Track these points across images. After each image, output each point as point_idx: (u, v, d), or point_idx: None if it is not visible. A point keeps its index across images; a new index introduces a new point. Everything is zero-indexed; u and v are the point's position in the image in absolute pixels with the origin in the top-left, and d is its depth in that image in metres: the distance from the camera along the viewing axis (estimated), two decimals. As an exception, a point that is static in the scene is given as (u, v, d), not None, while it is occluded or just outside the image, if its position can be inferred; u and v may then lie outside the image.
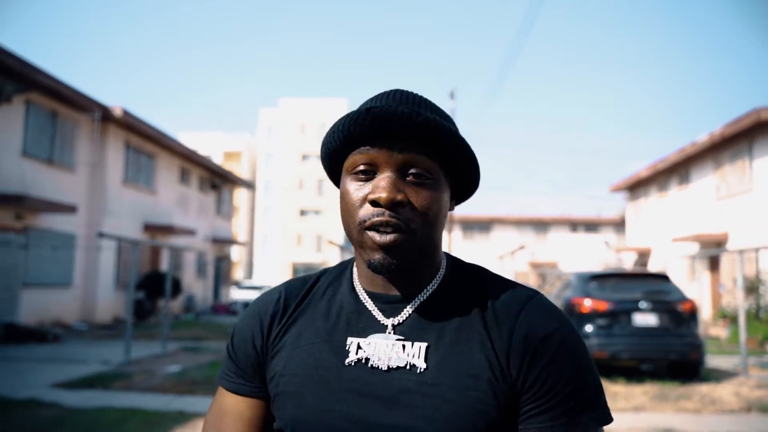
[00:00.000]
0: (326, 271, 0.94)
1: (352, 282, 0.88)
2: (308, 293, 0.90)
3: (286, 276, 50.70)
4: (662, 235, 20.40)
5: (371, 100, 0.85)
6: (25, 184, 12.31)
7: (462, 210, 36.46)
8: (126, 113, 14.56)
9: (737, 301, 14.64)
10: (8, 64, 11.01)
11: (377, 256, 0.78)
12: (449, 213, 0.87)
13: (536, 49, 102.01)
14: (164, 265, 18.07)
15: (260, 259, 53.99)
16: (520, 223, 37.39)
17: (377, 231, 0.77)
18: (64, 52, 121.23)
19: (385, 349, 0.81)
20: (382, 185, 0.78)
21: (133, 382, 7.19)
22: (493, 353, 0.79)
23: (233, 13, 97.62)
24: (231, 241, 24.18)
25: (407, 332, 0.82)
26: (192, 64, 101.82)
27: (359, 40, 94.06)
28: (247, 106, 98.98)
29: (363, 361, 0.81)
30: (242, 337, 0.89)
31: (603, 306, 7.43)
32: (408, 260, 0.79)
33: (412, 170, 0.80)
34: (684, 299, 7.61)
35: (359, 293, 0.86)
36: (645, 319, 7.38)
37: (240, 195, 51.69)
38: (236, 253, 50.28)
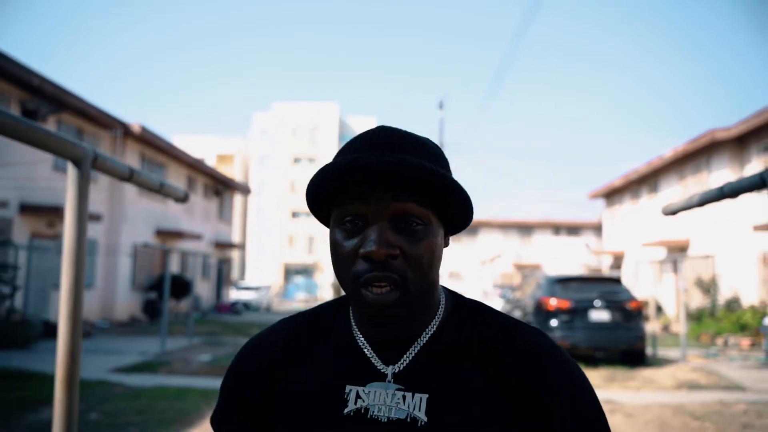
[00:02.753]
0: (323, 308, 0.91)
1: (350, 324, 0.85)
2: (307, 335, 0.87)
3: (278, 276, 52.02)
4: (634, 240, 22.07)
5: (351, 147, 0.80)
6: (56, 195, 13.65)
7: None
8: (144, 129, 15.95)
9: (693, 300, 16.34)
10: (46, 89, 12.37)
11: (373, 312, 0.76)
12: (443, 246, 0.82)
13: (531, 50, 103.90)
14: (174, 267, 19.42)
15: (253, 261, 55.17)
16: (505, 226, 39.03)
17: (372, 287, 0.74)
18: (60, 56, 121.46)
19: (384, 399, 0.78)
20: (372, 239, 0.74)
21: (175, 368, 8.61)
22: (503, 402, 0.77)
23: (227, 17, 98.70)
24: (232, 245, 25.58)
25: (407, 380, 0.79)
26: (186, 68, 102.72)
27: (351, 45, 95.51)
28: (240, 109, 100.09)
29: (362, 411, 0.78)
30: (242, 379, 0.86)
31: (565, 304, 8.98)
32: (404, 313, 0.77)
33: (404, 219, 0.76)
34: (632, 299, 9.19)
35: (357, 338, 0.83)
36: (599, 315, 8.95)
37: (234, 198, 52.88)
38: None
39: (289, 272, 53.24)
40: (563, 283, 9.50)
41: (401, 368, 0.80)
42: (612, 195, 25.46)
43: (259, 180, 55.86)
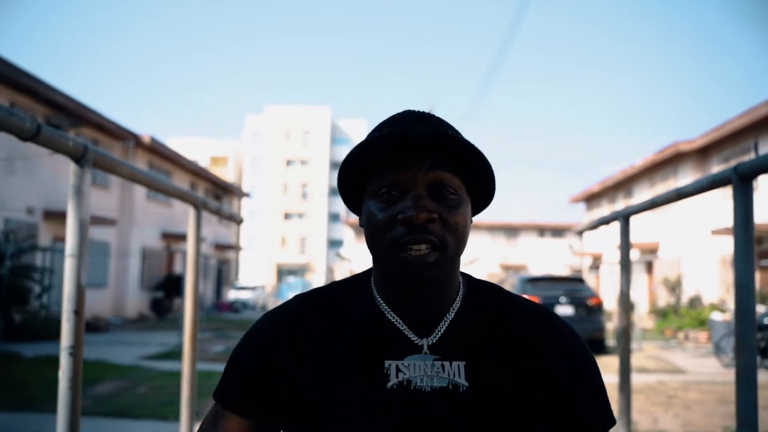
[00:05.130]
0: (338, 285, 0.92)
1: (374, 300, 0.87)
2: (327, 311, 0.88)
3: (271, 276, 53.12)
4: (610, 242, 23.50)
5: (386, 123, 0.85)
6: (74, 201, 14.83)
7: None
8: (153, 140, 17.17)
9: (660, 298, 17.75)
10: (68, 106, 13.58)
11: (413, 274, 0.78)
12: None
13: (520, 53, 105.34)
14: (178, 268, 20.62)
15: (246, 261, 56.22)
16: (492, 228, 40.40)
17: (411, 249, 0.77)
18: (54, 58, 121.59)
19: (425, 370, 0.81)
20: (412, 204, 0.78)
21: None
22: (534, 369, 0.83)
23: (221, 21, 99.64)
24: (231, 247, 26.79)
25: (443, 351, 0.82)
26: (180, 71, 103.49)
27: (343, 49, 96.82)
28: (233, 112, 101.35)
29: (405, 383, 0.80)
30: (258, 357, 0.86)
31: (535, 300, 10.33)
32: (442, 276, 0.81)
33: (438, 188, 0.80)
34: (593, 296, 10.57)
35: (386, 312, 0.85)
36: (564, 309, 10.32)
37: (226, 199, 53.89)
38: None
39: (282, 272, 54.35)
40: (534, 282, 10.88)
41: (435, 340, 0.82)
42: (591, 199, 26.93)
43: (252, 182, 56.95)
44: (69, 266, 2.09)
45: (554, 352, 0.84)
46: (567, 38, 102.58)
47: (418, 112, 0.86)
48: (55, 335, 11.71)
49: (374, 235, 0.82)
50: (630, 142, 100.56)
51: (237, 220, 4.26)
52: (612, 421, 0.84)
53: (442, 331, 0.84)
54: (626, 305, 3.38)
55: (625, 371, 3.26)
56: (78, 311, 2.13)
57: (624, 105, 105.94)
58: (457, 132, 0.83)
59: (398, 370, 0.81)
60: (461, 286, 0.89)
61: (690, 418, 5.98)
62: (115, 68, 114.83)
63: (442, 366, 0.81)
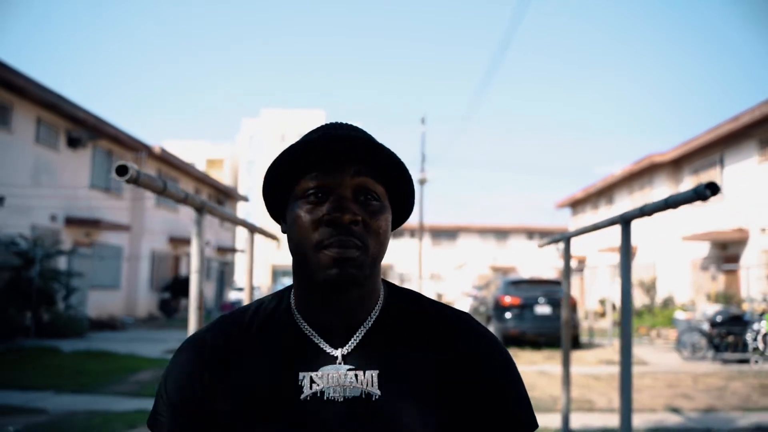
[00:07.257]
0: (261, 302, 0.93)
1: (292, 314, 0.88)
2: (247, 328, 0.88)
3: (266, 278, 54.10)
4: (593, 246, 24.82)
5: (316, 129, 0.87)
6: (91, 209, 15.93)
7: (431, 219, 40.66)
8: (163, 150, 18.30)
9: (635, 299, 19.00)
10: (87, 120, 14.67)
11: (334, 272, 0.79)
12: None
13: (523, 51, 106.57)
14: (183, 270, 21.72)
15: (242, 263, 57.14)
16: (483, 231, 41.68)
17: (335, 249, 0.79)
18: (53, 62, 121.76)
19: (338, 380, 0.82)
20: (338, 206, 0.80)
21: (213, 351, 10.98)
22: (444, 374, 0.84)
23: (218, 24, 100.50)
24: (232, 249, 27.90)
25: (357, 361, 0.83)
26: (177, 74, 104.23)
27: (338, 53, 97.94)
28: (229, 115, 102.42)
29: (318, 394, 0.81)
30: (181, 382, 0.86)
31: (517, 301, 11.56)
32: (362, 276, 0.81)
33: (363, 193, 0.83)
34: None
35: (302, 326, 0.86)
36: (542, 309, 11.54)
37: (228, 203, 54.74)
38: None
39: (277, 273, 55.31)
40: (515, 284, 12.11)
41: (350, 350, 0.84)
42: (576, 205, 28.25)
43: (248, 184, 57.91)
44: (194, 280, 3.30)
45: (479, 357, 0.86)
46: (567, 38, 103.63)
47: (346, 123, 0.88)
48: (79, 333, 12.81)
49: (299, 236, 0.82)
50: (630, 142, 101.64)
51: (275, 239, 5.43)
52: (536, 425, 0.86)
53: (357, 341, 0.85)
54: (568, 304, 4.60)
55: (566, 354, 4.47)
56: (200, 307, 3.35)
57: (624, 105, 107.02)
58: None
59: (312, 381, 0.82)
60: (382, 295, 0.90)
61: (640, 400, 7.19)
62: (112, 71, 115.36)
63: (356, 376, 0.82)
